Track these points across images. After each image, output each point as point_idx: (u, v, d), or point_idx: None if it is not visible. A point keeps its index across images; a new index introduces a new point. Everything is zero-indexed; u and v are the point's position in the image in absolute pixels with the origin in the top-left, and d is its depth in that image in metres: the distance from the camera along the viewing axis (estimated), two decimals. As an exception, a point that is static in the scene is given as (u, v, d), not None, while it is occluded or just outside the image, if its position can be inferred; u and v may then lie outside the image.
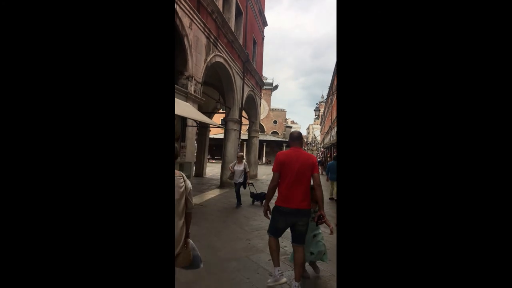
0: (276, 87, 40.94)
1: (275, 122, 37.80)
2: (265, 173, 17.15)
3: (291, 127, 39.98)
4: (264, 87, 34.74)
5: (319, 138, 48.04)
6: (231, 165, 6.96)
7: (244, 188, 6.91)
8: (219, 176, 10.66)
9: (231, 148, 10.44)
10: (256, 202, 7.06)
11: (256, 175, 14.21)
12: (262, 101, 33.31)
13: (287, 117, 43.06)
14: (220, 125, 9.82)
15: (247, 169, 6.88)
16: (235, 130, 10.61)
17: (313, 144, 53.70)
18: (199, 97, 7.00)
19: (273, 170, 2.56)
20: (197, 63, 6.85)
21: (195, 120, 6.38)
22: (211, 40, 7.64)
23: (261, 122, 34.43)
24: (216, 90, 11.75)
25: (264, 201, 5.29)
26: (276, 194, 2.55)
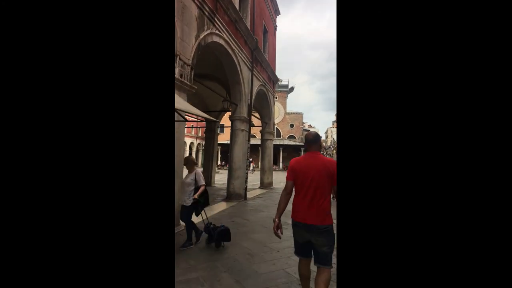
0: (292, 89, 39.16)
1: (291, 125, 35.84)
2: (282, 180, 14.99)
3: (308, 130, 37.84)
4: (280, 89, 33.18)
5: (339, 142, 45.57)
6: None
7: (197, 215, 3.96)
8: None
9: (239, 152, 8.63)
10: (211, 243, 3.92)
11: (271, 183, 12.30)
12: (278, 103, 31.72)
13: (304, 121, 40.95)
14: (214, 119, 8.13)
15: (201, 182, 3.93)
16: (243, 130, 8.78)
17: (332, 148, 51.22)
18: (189, 84, 5.21)
19: (286, 178, 2.24)
20: (184, 38, 5.12)
21: (179, 114, 4.58)
22: (205, 13, 5.93)
23: (277, 126, 32.76)
24: (223, 87, 10.05)
25: (223, 242, 4.01)
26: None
